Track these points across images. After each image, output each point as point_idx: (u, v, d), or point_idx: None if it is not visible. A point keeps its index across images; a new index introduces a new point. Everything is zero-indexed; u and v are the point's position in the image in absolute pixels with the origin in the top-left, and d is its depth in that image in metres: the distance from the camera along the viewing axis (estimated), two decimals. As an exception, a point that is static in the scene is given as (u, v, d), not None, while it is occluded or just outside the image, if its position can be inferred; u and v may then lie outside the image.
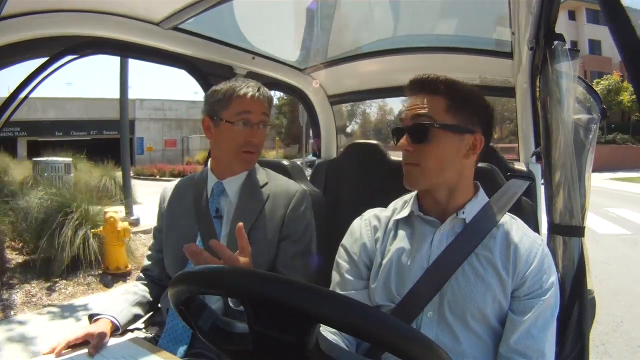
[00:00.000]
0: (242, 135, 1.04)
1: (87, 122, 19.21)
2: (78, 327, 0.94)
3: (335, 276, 0.91)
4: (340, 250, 0.93)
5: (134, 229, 4.83)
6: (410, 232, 0.87)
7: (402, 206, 0.93)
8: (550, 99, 0.91)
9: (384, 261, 0.85)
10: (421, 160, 0.81)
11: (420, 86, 0.83)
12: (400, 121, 0.86)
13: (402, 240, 0.86)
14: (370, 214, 0.95)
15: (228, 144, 1.06)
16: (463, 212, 0.83)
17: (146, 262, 1.20)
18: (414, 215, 0.87)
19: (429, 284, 0.79)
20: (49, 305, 3.36)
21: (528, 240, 0.82)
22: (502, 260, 0.80)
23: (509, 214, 0.88)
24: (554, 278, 0.80)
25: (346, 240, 0.93)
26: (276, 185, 1.12)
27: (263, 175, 1.14)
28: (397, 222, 0.89)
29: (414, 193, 0.93)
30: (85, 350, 0.88)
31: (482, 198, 0.87)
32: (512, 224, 0.85)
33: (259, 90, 1.05)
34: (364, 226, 0.92)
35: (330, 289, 0.90)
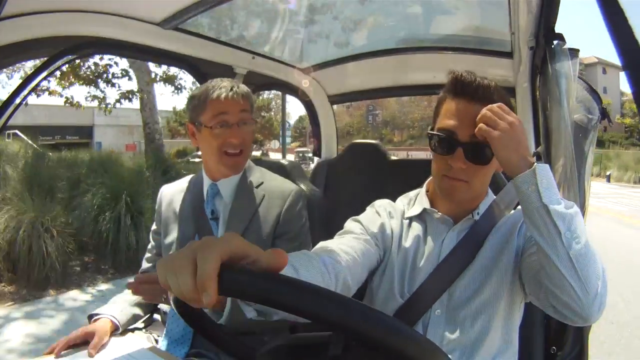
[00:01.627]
0: (222, 137, 1.03)
1: (52, 128, 19.90)
2: (78, 327, 0.94)
3: (339, 233, 0.86)
4: (351, 222, 0.89)
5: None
6: (424, 230, 0.86)
7: (408, 204, 0.92)
8: (550, 99, 0.91)
9: (397, 257, 0.85)
10: (472, 179, 0.78)
11: (482, 95, 0.76)
12: (449, 130, 0.77)
13: (414, 237, 0.86)
14: (382, 202, 0.94)
15: (210, 148, 1.05)
16: (478, 213, 0.84)
17: (145, 265, 1.19)
18: (427, 212, 0.87)
19: (437, 283, 0.79)
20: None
21: None
22: (505, 235, 0.80)
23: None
24: None
25: (361, 217, 0.89)
26: (271, 185, 1.12)
27: (258, 175, 1.14)
28: (410, 219, 0.89)
29: (419, 190, 0.93)
30: (85, 350, 0.88)
31: (490, 196, 0.88)
32: (514, 213, 0.86)
33: (232, 89, 1.03)
34: (382, 211, 0.90)
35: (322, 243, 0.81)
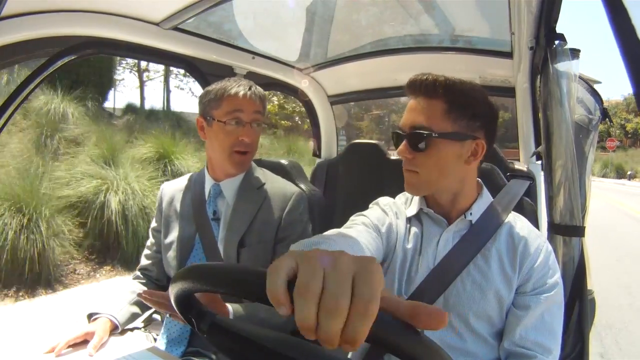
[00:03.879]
0: (234, 134, 1.03)
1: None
2: (77, 326, 0.94)
3: (347, 224, 0.86)
4: (358, 217, 0.88)
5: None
6: (420, 231, 0.86)
7: (405, 203, 0.92)
8: (550, 99, 0.91)
9: (399, 257, 0.84)
10: (420, 168, 0.79)
11: (419, 88, 0.79)
12: (399, 127, 0.82)
13: (414, 238, 0.85)
14: (386, 200, 0.93)
15: (220, 143, 1.05)
16: (470, 214, 0.83)
17: (144, 262, 1.19)
18: (423, 212, 0.87)
19: (434, 286, 0.78)
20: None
21: (533, 235, 0.82)
22: (508, 256, 0.80)
23: (513, 211, 0.88)
24: (558, 275, 0.79)
25: (369, 214, 0.88)
26: (273, 187, 1.12)
27: (260, 176, 1.13)
28: (410, 219, 0.88)
29: None
30: (85, 350, 0.88)
31: (486, 197, 0.87)
32: (517, 221, 0.85)
33: (250, 88, 1.04)
34: (388, 210, 0.90)
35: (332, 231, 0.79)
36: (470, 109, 0.79)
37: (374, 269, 0.33)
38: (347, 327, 0.30)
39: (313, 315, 0.31)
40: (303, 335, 0.32)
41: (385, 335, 0.33)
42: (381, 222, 0.86)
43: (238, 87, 1.03)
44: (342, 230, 0.78)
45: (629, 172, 21.97)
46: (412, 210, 0.88)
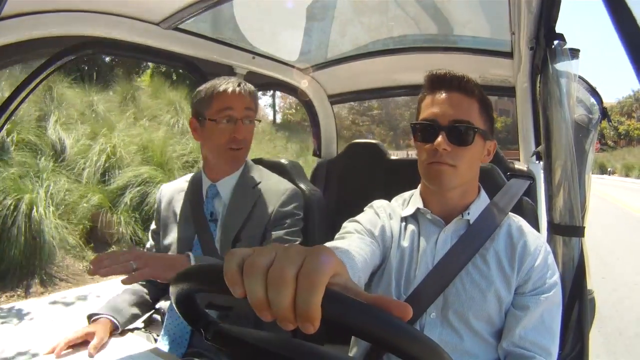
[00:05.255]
0: (227, 132, 1.03)
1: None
2: (78, 327, 0.94)
3: (340, 233, 0.85)
4: (350, 222, 0.88)
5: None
6: (417, 231, 0.86)
7: (403, 204, 0.92)
8: (550, 99, 0.91)
9: (395, 258, 0.84)
10: (458, 162, 0.79)
11: (451, 83, 0.80)
12: (430, 118, 0.80)
13: (411, 238, 0.86)
14: (380, 202, 0.93)
15: (214, 142, 1.05)
16: (468, 213, 0.83)
17: None
18: (420, 212, 0.87)
19: (433, 286, 0.78)
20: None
21: (532, 236, 0.82)
22: (507, 257, 0.80)
23: (511, 212, 0.88)
24: (557, 276, 0.80)
25: (361, 219, 0.88)
26: (268, 184, 1.12)
27: (256, 174, 1.14)
28: (406, 219, 0.89)
29: (414, 191, 0.92)
30: (85, 350, 0.88)
31: (484, 198, 0.88)
32: (515, 222, 0.85)
33: (239, 85, 1.04)
34: (381, 212, 0.90)
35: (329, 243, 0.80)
36: (491, 112, 0.84)
37: (324, 252, 0.33)
38: (296, 301, 0.30)
39: (260, 290, 0.31)
40: (259, 316, 0.32)
41: (344, 312, 0.31)
42: (373, 225, 0.86)
43: (227, 85, 1.03)
44: (333, 242, 0.78)
45: (609, 169, 28.68)
46: (409, 210, 0.88)
